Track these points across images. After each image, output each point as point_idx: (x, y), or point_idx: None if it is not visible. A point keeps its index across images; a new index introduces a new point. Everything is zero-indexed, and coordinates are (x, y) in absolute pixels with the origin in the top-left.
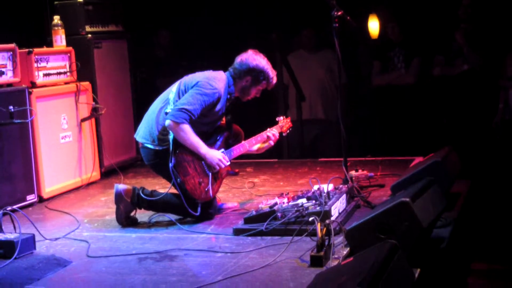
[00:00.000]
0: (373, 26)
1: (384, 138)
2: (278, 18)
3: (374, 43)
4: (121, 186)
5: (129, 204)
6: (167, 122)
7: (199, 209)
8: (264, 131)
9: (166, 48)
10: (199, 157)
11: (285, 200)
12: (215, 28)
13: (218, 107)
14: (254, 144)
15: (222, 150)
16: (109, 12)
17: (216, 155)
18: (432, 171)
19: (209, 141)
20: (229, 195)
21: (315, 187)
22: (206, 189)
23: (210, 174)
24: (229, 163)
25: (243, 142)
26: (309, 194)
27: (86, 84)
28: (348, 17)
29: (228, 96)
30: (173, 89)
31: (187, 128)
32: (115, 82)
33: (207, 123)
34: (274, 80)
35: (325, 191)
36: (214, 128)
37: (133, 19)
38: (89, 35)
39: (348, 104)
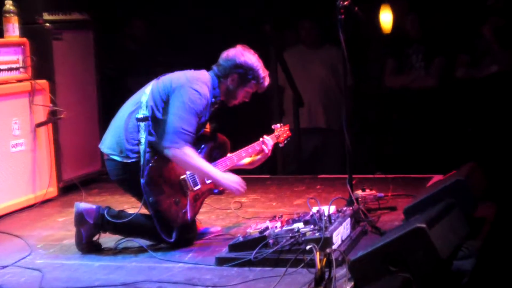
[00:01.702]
0: (386, 18)
1: (397, 152)
2: (273, 7)
3: (387, 39)
4: (82, 205)
5: (92, 227)
6: (167, 152)
7: (174, 234)
8: (257, 141)
9: (140, 41)
10: (174, 173)
11: (278, 224)
12: (198, 18)
13: (205, 113)
14: (244, 157)
15: None
16: None
17: (234, 179)
18: (454, 191)
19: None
20: (212, 218)
21: (314, 209)
22: (184, 210)
23: (189, 192)
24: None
25: (230, 155)
26: (307, 218)
27: (43, 82)
28: (356, 8)
29: (213, 100)
30: (146, 91)
31: (191, 152)
32: (78, 80)
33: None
34: (266, 81)
35: (326, 214)
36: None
37: (101, 6)
38: (48, 24)
39: (355, 111)
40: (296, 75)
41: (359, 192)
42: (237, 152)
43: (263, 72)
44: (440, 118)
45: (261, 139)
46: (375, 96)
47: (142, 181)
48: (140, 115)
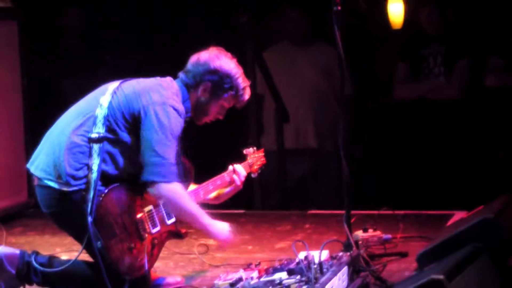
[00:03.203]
0: (395, 10)
1: (409, 181)
2: None
3: (397, 36)
4: (1, 250)
5: (14, 278)
6: (152, 189)
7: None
8: (226, 171)
9: (78, 34)
10: (130, 210)
11: (255, 274)
12: (155, 6)
13: None
14: (212, 191)
15: None
16: None
17: (225, 228)
18: (481, 233)
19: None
20: (170, 265)
21: (301, 254)
22: (140, 258)
23: (147, 236)
24: (173, 219)
25: (194, 187)
26: (292, 266)
27: None
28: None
29: (188, 115)
30: (102, 102)
31: (182, 190)
32: None
33: None
34: (246, 94)
35: (316, 261)
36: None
37: None
38: None
39: (356, 128)
40: (279, 81)
41: (359, 233)
42: (204, 184)
43: (243, 81)
44: (464, 138)
45: (230, 167)
46: (381, 110)
47: (89, 219)
48: (94, 134)
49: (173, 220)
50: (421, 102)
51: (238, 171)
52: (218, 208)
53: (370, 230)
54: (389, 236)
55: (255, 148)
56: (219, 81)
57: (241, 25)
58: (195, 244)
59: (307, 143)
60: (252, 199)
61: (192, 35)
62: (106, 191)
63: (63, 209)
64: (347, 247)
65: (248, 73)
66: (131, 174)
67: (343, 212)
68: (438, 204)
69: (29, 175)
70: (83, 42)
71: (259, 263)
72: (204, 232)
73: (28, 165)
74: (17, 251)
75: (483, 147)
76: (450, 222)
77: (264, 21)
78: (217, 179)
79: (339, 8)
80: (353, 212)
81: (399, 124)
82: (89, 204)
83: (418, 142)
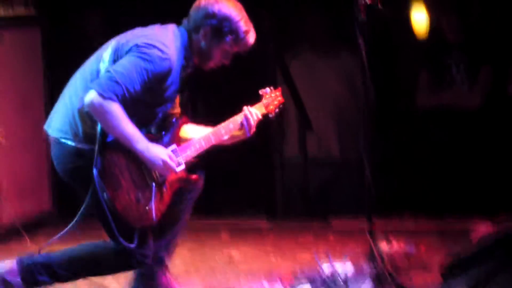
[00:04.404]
0: (419, 18)
1: (433, 191)
2: None
3: (420, 44)
4: (1, 266)
5: (22, 285)
6: (87, 96)
7: (136, 236)
8: (239, 114)
9: (99, 37)
10: (137, 159)
11: (278, 286)
12: (173, 5)
13: (169, 81)
14: (225, 135)
15: (173, 147)
16: None
17: (160, 154)
18: (508, 246)
19: (153, 134)
20: (191, 274)
21: (325, 266)
22: (148, 207)
23: (154, 185)
24: (183, 166)
25: (206, 133)
26: (315, 277)
27: None
28: (379, 4)
29: (184, 62)
30: (104, 56)
31: (116, 109)
32: (21, 91)
33: (151, 104)
34: (250, 37)
35: (340, 272)
36: (161, 113)
37: None
38: None
39: (378, 136)
40: (300, 88)
41: (383, 245)
42: (215, 129)
43: (244, 25)
44: (490, 146)
45: (245, 109)
46: (405, 118)
47: (94, 170)
48: None
49: (182, 167)
50: (444, 111)
51: (252, 113)
52: (242, 219)
53: (394, 242)
54: (412, 248)
55: (272, 88)
56: (218, 25)
57: (262, 30)
58: (218, 254)
59: (330, 152)
60: (275, 208)
61: None
62: (112, 142)
63: (80, 164)
64: (370, 258)
65: (270, 79)
66: (137, 125)
67: (365, 219)
68: (464, 215)
69: (53, 184)
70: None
71: (282, 277)
72: (139, 155)
73: (45, 127)
74: (14, 260)
75: (508, 156)
76: (476, 234)
77: (286, 25)
78: (230, 123)
79: (363, 17)
80: (376, 222)
81: (421, 132)
82: (95, 156)
83: (441, 150)
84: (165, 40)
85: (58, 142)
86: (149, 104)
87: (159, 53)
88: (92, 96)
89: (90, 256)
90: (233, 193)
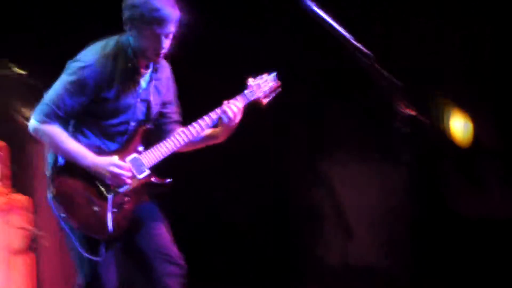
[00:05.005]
0: (459, 126)
1: None
2: None
3: (456, 149)
4: None
5: None
6: (30, 124)
7: (102, 249)
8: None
9: None
10: (90, 174)
11: None
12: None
13: (105, 87)
14: (199, 131)
15: (133, 156)
16: None
17: (106, 166)
18: None
19: (117, 142)
20: None
21: None
22: (106, 219)
23: (111, 196)
24: (146, 173)
25: (177, 132)
26: None
27: (22, 198)
28: (420, 116)
29: (129, 65)
30: None
31: (52, 129)
32: None
33: (108, 114)
34: (165, 12)
35: None
36: (134, 122)
37: None
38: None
39: (415, 247)
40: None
41: None
42: (188, 126)
43: (155, 2)
44: None
45: (224, 104)
46: (449, 229)
47: (48, 195)
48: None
49: (145, 173)
50: (483, 220)
51: (230, 103)
52: None
53: None
54: None
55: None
56: (131, 16)
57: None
58: None
59: (366, 260)
60: None
61: None
62: (64, 163)
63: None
64: None
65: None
66: (105, 137)
67: None
68: None
69: None
70: None
71: None
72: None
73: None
74: None
75: None
76: None
77: (318, 128)
78: (204, 117)
79: (408, 130)
80: None
81: (466, 244)
82: (48, 180)
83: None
84: (89, 51)
85: None
86: (106, 114)
87: (79, 64)
88: (30, 123)
89: None
90: None
